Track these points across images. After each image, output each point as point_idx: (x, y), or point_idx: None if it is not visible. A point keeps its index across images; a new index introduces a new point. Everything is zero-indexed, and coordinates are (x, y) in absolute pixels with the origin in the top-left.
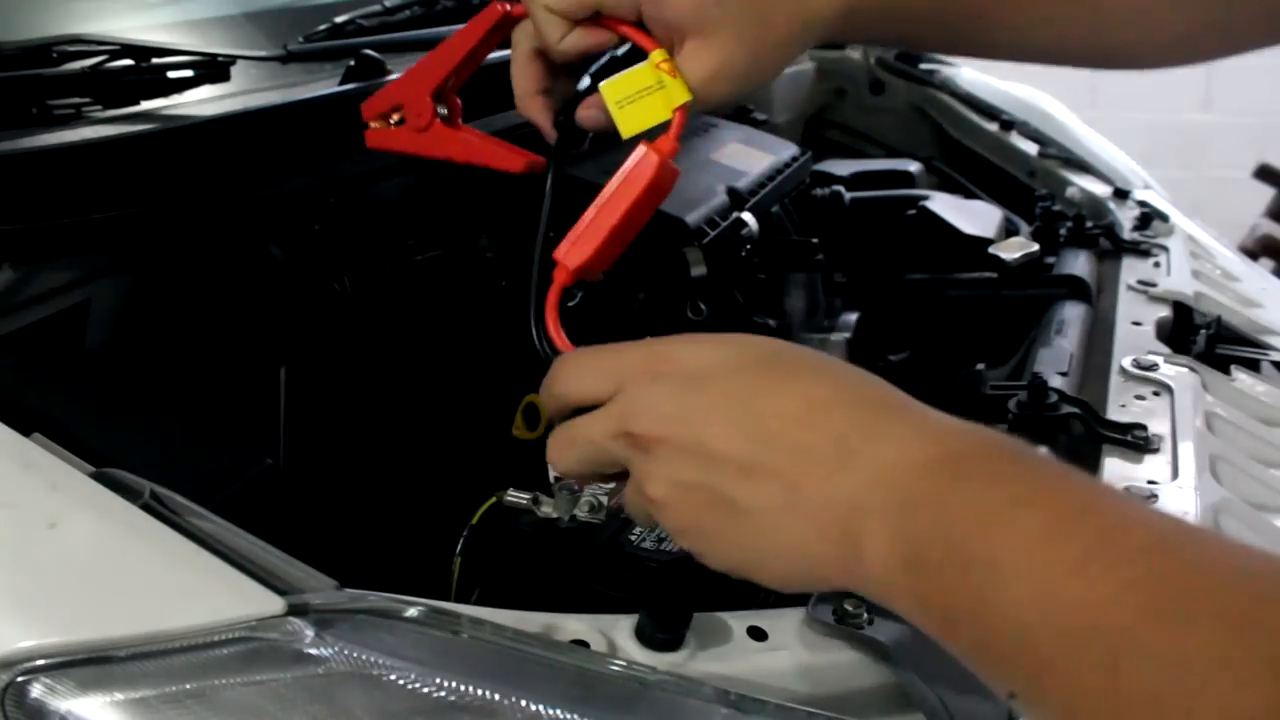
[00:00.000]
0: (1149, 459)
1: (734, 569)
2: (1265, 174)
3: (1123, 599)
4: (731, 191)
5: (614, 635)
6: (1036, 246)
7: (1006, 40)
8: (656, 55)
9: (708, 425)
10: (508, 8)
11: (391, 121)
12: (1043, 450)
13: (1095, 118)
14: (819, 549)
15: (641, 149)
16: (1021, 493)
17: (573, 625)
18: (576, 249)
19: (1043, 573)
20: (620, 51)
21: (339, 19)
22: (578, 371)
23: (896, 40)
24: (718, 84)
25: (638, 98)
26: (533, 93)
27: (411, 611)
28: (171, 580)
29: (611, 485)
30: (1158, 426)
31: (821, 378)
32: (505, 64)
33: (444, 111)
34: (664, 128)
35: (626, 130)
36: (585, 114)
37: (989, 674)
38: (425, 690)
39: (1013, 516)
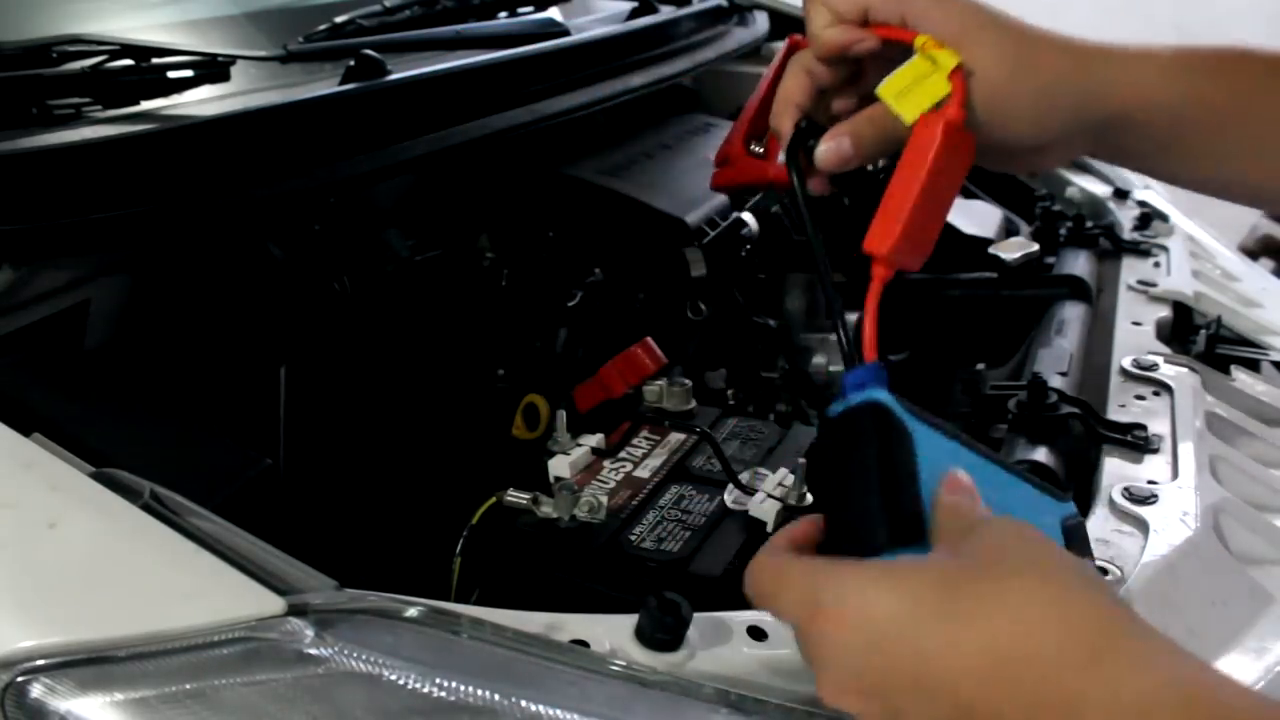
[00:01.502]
0: (1149, 459)
1: None
2: None
3: None
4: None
5: (614, 635)
6: (1036, 246)
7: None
8: (920, 39)
9: (897, 698)
10: (799, 41)
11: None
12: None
13: None
14: None
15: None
16: None
17: (573, 625)
18: (881, 233)
19: None
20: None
21: (339, 19)
22: (764, 595)
23: (1162, 162)
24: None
25: (914, 85)
26: (789, 104)
27: (411, 611)
28: (171, 580)
29: (611, 485)
30: (1158, 426)
31: (1010, 610)
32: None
33: (761, 149)
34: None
35: (910, 115)
36: (828, 144)
37: None
38: (425, 690)
39: None
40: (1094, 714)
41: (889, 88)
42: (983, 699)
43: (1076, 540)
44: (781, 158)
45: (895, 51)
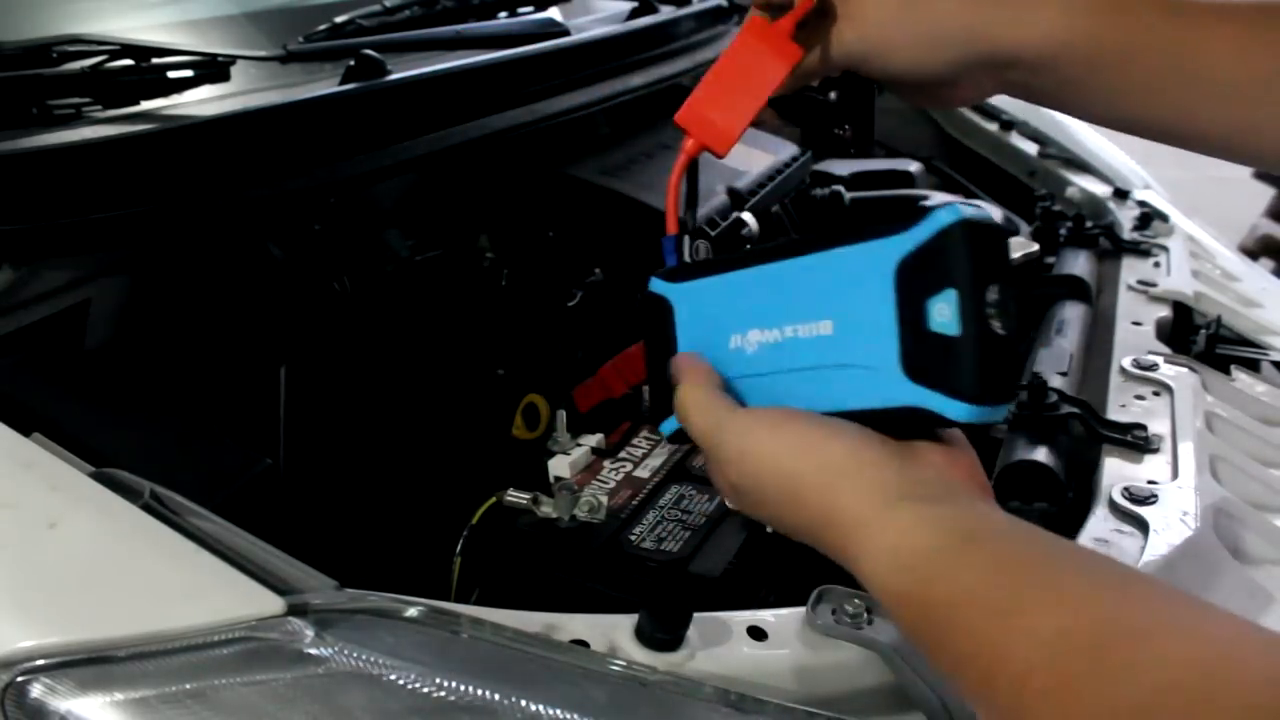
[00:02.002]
0: (1149, 459)
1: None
2: (1265, 174)
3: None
4: (731, 191)
5: (614, 635)
6: (1036, 246)
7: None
8: None
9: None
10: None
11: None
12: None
13: None
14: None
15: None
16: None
17: (573, 625)
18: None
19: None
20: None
21: (339, 19)
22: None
23: (1063, 82)
24: (868, 51)
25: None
26: None
27: (411, 611)
28: (171, 580)
29: (611, 485)
30: (1158, 426)
31: (827, 491)
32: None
33: None
34: None
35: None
36: None
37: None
38: (425, 690)
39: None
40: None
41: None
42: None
43: (924, 277)
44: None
45: None
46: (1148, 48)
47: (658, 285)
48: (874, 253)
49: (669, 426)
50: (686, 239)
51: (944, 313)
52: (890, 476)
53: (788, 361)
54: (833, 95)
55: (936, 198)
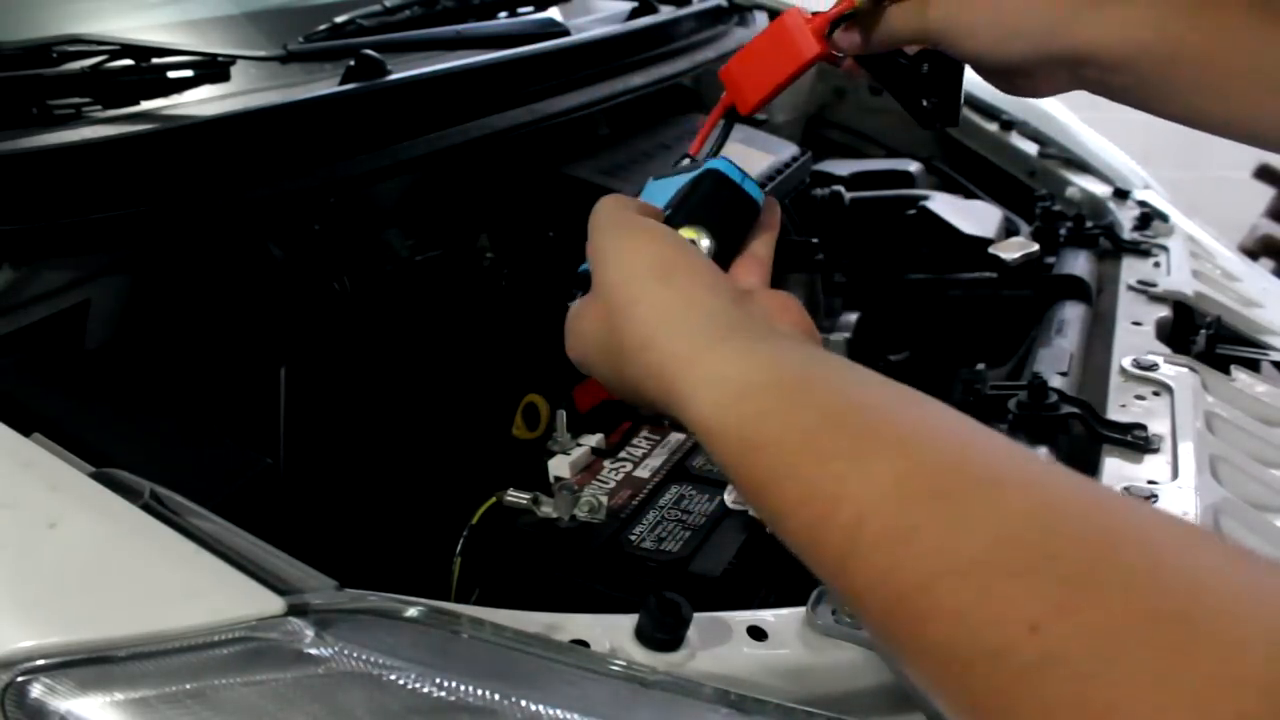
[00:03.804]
0: (1149, 459)
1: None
2: (1265, 174)
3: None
4: None
5: (614, 635)
6: (1036, 246)
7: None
8: None
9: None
10: None
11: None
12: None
13: (1095, 118)
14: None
15: None
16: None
17: (573, 625)
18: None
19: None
20: None
21: (339, 19)
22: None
23: (1152, 111)
24: (946, 28)
25: None
26: None
27: (411, 611)
28: (171, 580)
29: (611, 485)
30: (1158, 426)
31: (653, 312)
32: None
33: None
34: None
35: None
36: (839, 34)
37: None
38: (425, 690)
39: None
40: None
41: None
42: (640, 396)
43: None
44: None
45: None
46: (1229, 48)
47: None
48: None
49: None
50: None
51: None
52: (720, 311)
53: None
54: (925, 67)
55: (937, 200)
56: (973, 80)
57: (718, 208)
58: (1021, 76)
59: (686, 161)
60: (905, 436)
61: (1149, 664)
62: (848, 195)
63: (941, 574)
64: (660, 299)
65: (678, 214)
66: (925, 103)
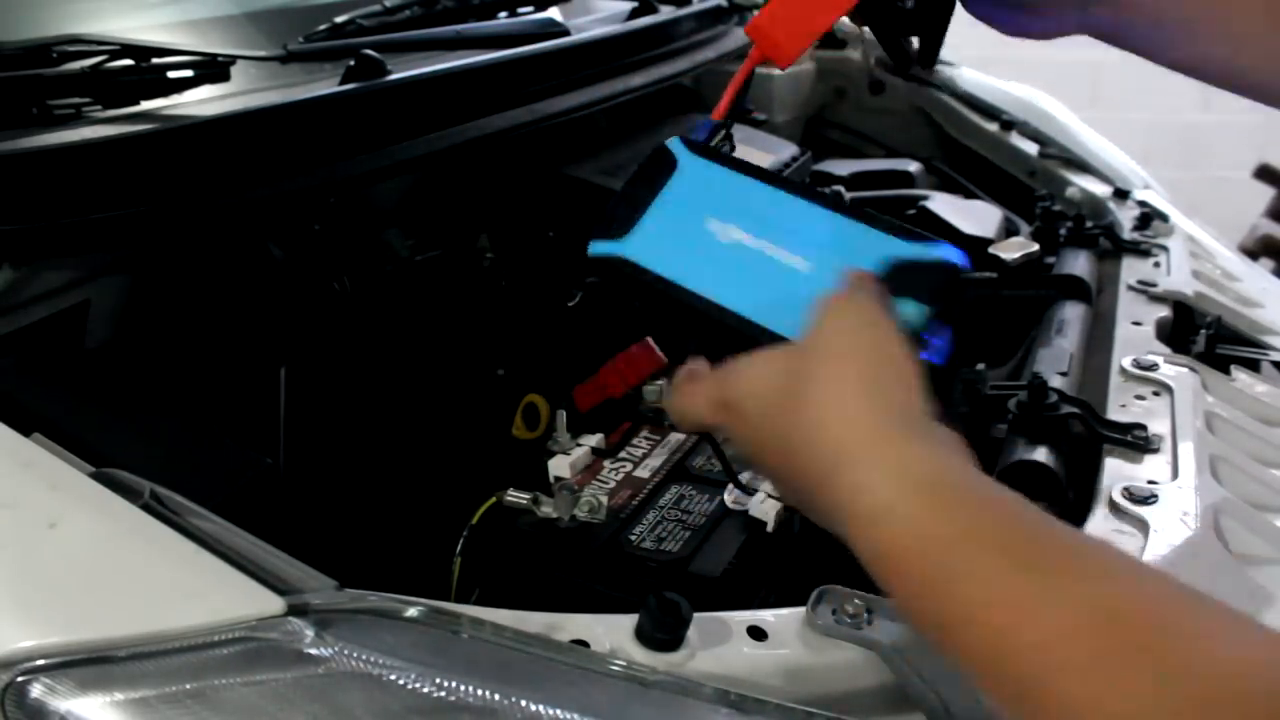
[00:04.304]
0: (1149, 459)
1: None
2: (1265, 174)
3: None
4: None
5: (614, 635)
6: (1036, 246)
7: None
8: None
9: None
10: None
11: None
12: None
13: (1095, 118)
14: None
15: None
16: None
17: (573, 625)
18: (758, 15)
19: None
20: None
21: (339, 19)
22: (680, 405)
23: (1171, 30)
24: None
25: None
26: None
27: (411, 611)
28: (171, 580)
29: (611, 485)
30: (1158, 426)
31: (829, 406)
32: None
33: None
34: None
35: None
36: None
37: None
38: (425, 690)
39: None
40: (844, 493)
41: None
42: (789, 459)
43: (907, 283)
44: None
45: None
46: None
47: (675, 145)
48: (877, 241)
49: (598, 248)
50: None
51: (905, 312)
52: (918, 412)
53: (746, 267)
54: (910, 3)
55: (937, 200)
56: (973, 81)
57: (942, 296)
58: (1024, 12)
59: (701, 120)
60: (1100, 570)
61: None
62: (847, 195)
63: (1154, 712)
64: (865, 378)
65: (899, 283)
66: (906, 42)
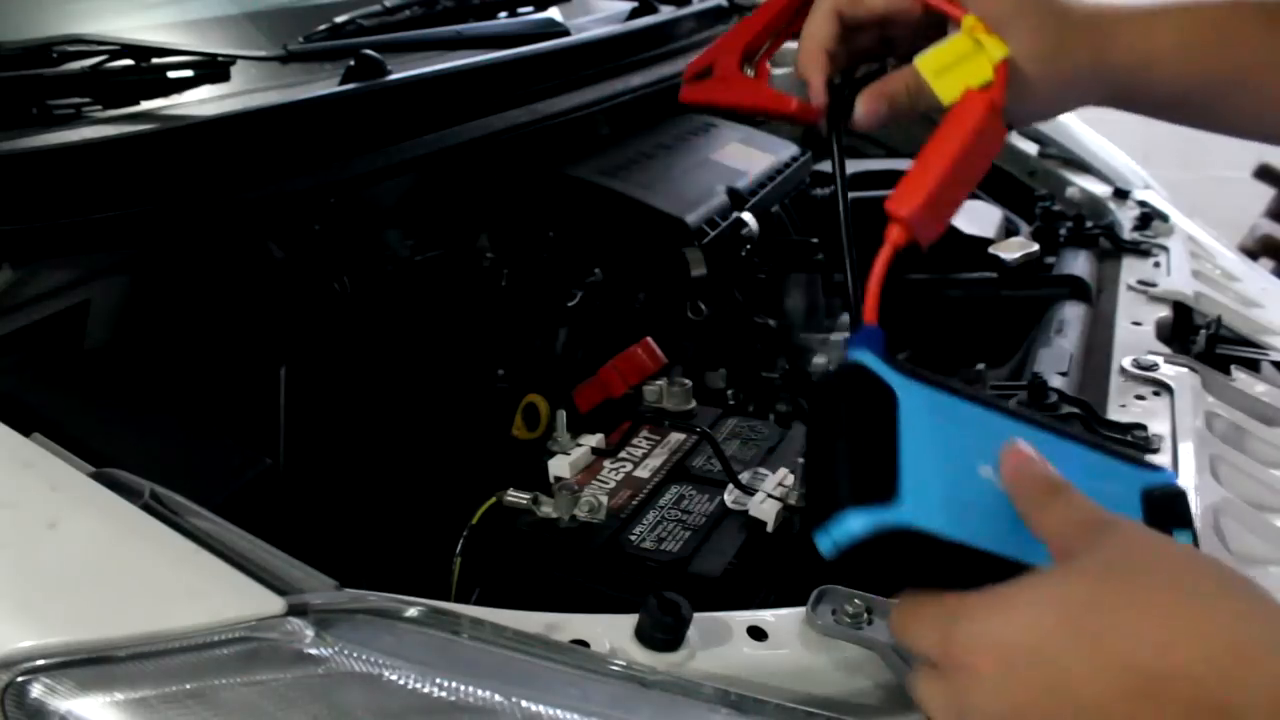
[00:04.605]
0: (1149, 459)
1: None
2: (1265, 174)
3: None
4: (731, 192)
5: (614, 635)
6: (1036, 246)
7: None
8: (969, 20)
9: None
10: None
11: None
12: None
13: (1095, 118)
14: None
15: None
16: None
17: (573, 625)
18: (906, 195)
19: None
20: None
21: (339, 19)
22: (911, 626)
23: (1182, 110)
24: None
25: (955, 65)
26: (818, 50)
27: (411, 611)
28: (171, 580)
29: (611, 485)
30: (1158, 426)
31: (1152, 627)
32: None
33: (751, 73)
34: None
35: (948, 96)
36: (868, 108)
37: None
38: (425, 690)
39: None
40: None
41: (929, 63)
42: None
43: (1168, 513)
44: (773, 85)
45: (932, 18)
46: (1258, 69)
47: (875, 365)
48: (1129, 473)
49: (836, 536)
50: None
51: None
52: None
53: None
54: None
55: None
56: None
57: (1189, 519)
58: (1041, 118)
59: (864, 329)
60: None
61: None
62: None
63: None
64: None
65: (1159, 514)
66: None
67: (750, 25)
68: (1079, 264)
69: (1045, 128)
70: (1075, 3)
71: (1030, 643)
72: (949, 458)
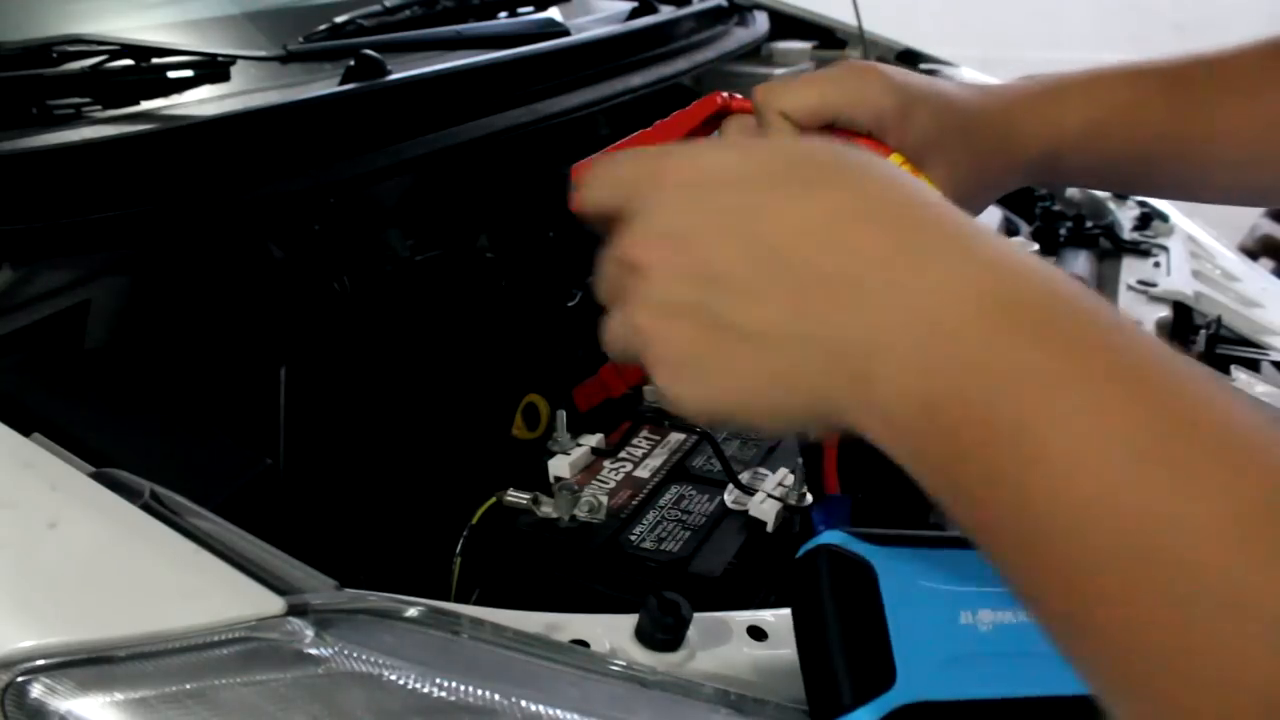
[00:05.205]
0: None
1: (718, 409)
2: None
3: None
4: None
5: (614, 635)
6: (1036, 246)
7: (1224, 181)
8: (897, 158)
9: (705, 242)
10: (728, 102)
11: None
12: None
13: None
14: (822, 383)
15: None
16: (1086, 359)
17: (573, 625)
18: None
19: (1096, 463)
20: None
21: (339, 19)
22: (593, 183)
23: (1099, 184)
24: None
25: None
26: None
27: (411, 611)
28: (171, 580)
29: (611, 485)
30: None
31: (850, 186)
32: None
33: None
34: None
35: None
36: None
37: (997, 563)
38: (425, 690)
39: (1068, 387)
40: (890, 296)
41: None
42: (802, 255)
43: None
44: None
45: None
46: (1163, 153)
47: (847, 543)
48: None
49: (874, 712)
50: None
51: None
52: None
53: (1030, 643)
54: None
55: None
56: (970, 80)
57: None
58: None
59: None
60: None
61: None
62: None
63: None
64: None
65: None
66: None
67: (634, 142)
68: (1079, 264)
69: None
70: (980, 110)
71: (731, 173)
72: (933, 616)
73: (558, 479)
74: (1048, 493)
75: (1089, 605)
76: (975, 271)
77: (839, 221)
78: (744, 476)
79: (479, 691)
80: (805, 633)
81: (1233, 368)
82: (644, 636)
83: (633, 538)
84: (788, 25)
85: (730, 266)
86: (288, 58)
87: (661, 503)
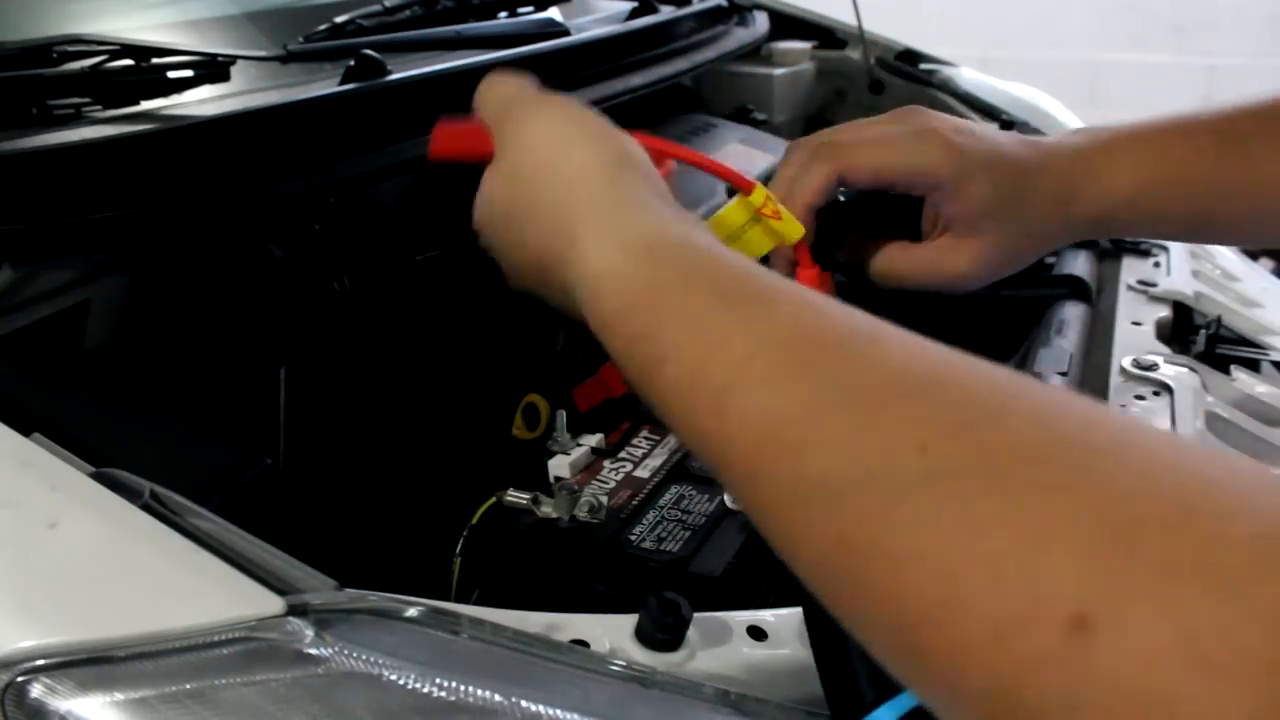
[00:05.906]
0: None
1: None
2: None
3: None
4: (731, 193)
5: (614, 635)
6: None
7: (1277, 230)
8: (760, 193)
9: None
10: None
11: None
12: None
13: (1095, 117)
14: (550, 259)
15: None
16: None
17: (573, 625)
18: None
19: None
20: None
21: (339, 19)
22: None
23: (1151, 236)
24: (970, 279)
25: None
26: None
27: (411, 611)
28: (171, 580)
29: (611, 485)
30: (1158, 426)
31: (608, 181)
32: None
33: None
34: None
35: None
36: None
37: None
38: (425, 690)
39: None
40: (592, 225)
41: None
42: (519, 199)
43: None
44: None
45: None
46: (1215, 209)
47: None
48: None
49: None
50: None
51: None
52: (641, 183)
53: None
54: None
55: None
56: (973, 81)
57: None
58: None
59: None
60: (804, 301)
61: (1046, 477)
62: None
63: (828, 406)
64: (584, 158)
65: None
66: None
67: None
68: (1079, 264)
69: (1045, 127)
70: (1036, 174)
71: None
72: None
73: (558, 479)
74: (674, 373)
75: (732, 479)
76: (646, 224)
77: (584, 184)
78: None
79: (479, 691)
80: (820, 633)
81: (1233, 368)
82: (644, 636)
83: (633, 538)
84: (788, 25)
85: (522, 205)
86: (288, 58)
87: (661, 502)
